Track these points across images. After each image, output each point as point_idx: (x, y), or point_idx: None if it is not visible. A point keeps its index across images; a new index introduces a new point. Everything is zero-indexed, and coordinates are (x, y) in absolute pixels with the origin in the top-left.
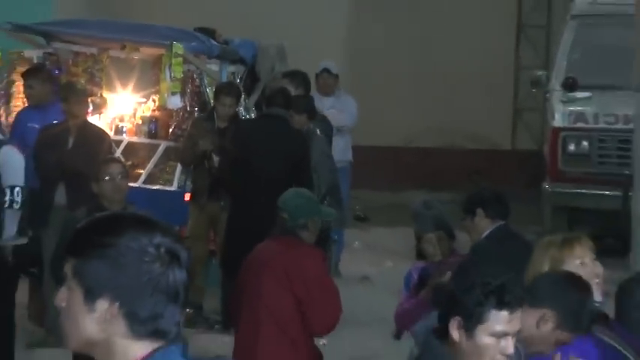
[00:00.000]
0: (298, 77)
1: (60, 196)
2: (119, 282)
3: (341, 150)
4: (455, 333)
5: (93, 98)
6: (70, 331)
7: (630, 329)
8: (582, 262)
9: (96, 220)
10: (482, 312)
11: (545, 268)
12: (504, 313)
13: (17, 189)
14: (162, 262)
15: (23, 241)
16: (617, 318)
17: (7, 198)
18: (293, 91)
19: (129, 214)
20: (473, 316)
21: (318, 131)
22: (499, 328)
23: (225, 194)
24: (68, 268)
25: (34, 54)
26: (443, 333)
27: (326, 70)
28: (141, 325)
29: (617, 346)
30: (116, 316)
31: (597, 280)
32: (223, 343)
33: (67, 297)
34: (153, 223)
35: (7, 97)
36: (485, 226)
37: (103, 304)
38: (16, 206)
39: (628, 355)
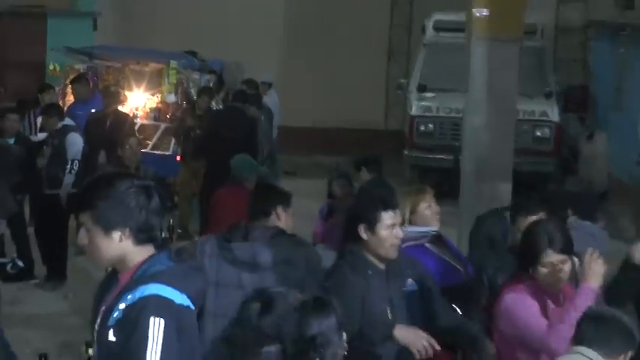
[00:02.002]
0: (252, 82)
1: (101, 157)
2: (124, 215)
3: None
4: (364, 234)
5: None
6: (96, 256)
7: (477, 249)
8: (429, 205)
9: (94, 183)
10: (377, 215)
11: (407, 209)
12: (390, 212)
13: (76, 161)
14: (143, 194)
15: (74, 191)
16: (471, 242)
17: (69, 166)
18: (248, 91)
19: (108, 173)
20: (372, 219)
21: (262, 117)
22: (389, 222)
23: (202, 156)
24: (86, 218)
25: (80, 67)
26: (354, 237)
27: (264, 82)
28: (142, 234)
29: (444, 257)
30: (127, 236)
31: (437, 216)
32: None
33: (88, 236)
34: (127, 173)
35: (64, 95)
36: (366, 177)
37: (117, 233)
38: (73, 172)
39: (452, 262)
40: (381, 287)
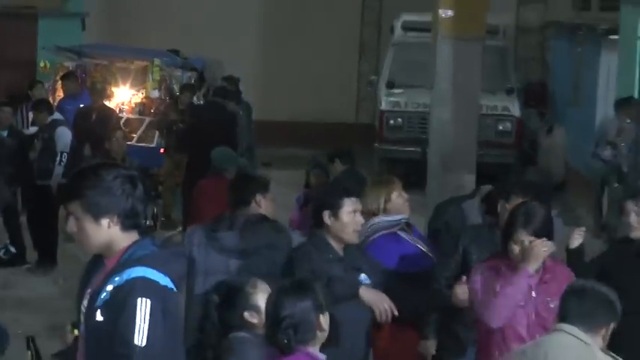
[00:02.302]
0: (232, 79)
1: (86, 150)
2: (111, 202)
3: None
4: (327, 220)
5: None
6: (85, 243)
7: (438, 234)
8: (400, 194)
9: (81, 173)
10: (340, 201)
11: (382, 198)
12: (352, 199)
13: (65, 154)
14: (128, 183)
15: (63, 181)
16: (429, 229)
17: (58, 158)
18: (228, 87)
19: (95, 164)
20: (335, 206)
21: (241, 112)
22: (351, 208)
23: (185, 148)
24: (75, 207)
25: (70, 65)
26: (319, 223)
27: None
28: (128, 220)
29: (416, 244)
30: (115, 223)
31: (407, 204)
32: None
33: (77, 224)
34: (113, 163)
35: (54, 91)
36: (340, 168)
37: (105, 220)
38: (62, 164)
39: (422, 247)
40: (339, 273)
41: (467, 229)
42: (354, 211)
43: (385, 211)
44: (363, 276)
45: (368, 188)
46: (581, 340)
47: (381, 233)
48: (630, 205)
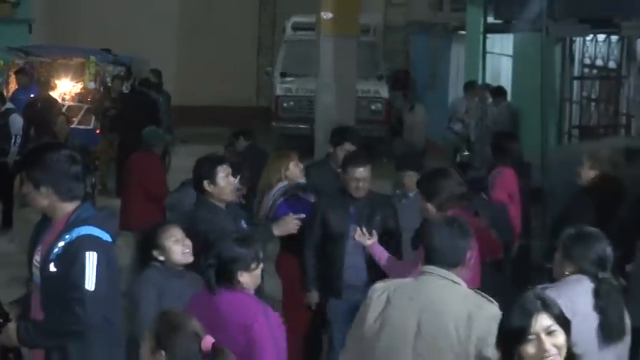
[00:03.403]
0: (156, 72)
1: (31, 132)
2: (47, 176)
3: None
4: (208, 187)
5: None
6: (32, 204)
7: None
8: (296, 163)
9: (31, 152)
10: (214, 170)
11: (283, 168)
12: (223, 166)
13: (18, 136)
14: (68, 162)
15: (18, 158)
16: None
17: (13, 140)
18: (152, 78)
19: (42, 144)
20: (211, 175)
21: (161, 99)
22: (223, 173)
23: (116, 129)
24: (24, 176)
25: (20, 62)
26: (202, 191)
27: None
28: (65, 194)
29: (308, 200)
30: (52, 193)
31: (302, 171)
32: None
33: (28, 190)
34: (59, 144)
35: (7, 84)
36: (244, 144)
37: (43, 189)
38: (17, 144)
39: None
40: (231, 225)
41: (323, 196)
42: (227, 175)
43: (286, 178)
44: (242, 222)
45: (270, 160)
46: (448, 279)
47: (285, 196)
48: None
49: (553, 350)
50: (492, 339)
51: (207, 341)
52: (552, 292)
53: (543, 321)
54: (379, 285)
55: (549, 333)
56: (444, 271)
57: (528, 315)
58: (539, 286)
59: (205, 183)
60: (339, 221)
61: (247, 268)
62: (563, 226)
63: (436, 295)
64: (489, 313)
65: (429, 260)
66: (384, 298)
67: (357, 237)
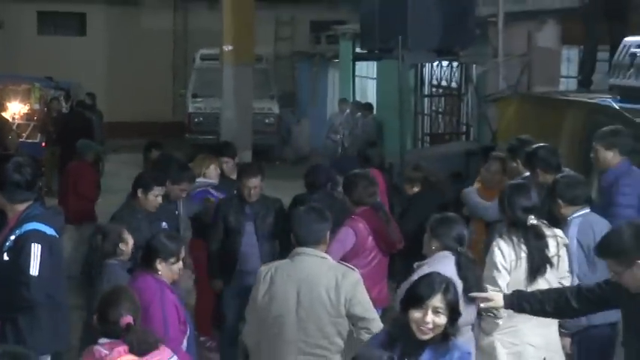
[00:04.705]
0: (91, 94)
1: None
2: (3, 186)
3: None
4: (140, 194)
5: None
6: None
7: None
8: (215, 166)
9: None
10: (150, 186)
11: (203, 168)
12: (160, 187)
13: None
14: (19, 172)
15: None
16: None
17: None
18: (87, 100)
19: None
20: (147, 188)
21: (94, 117)
22: (157, 192)
23: (57, 143)
24: None
25: None
26: (134, 194)
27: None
28: (13, 198)
29: (218, 195)
30: (4, 199)
31: (217, 173)
32: None
33: None
34: (10, 155)
35: None
36: (156, 154)
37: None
38: None
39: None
40: (146, 225)
41: (223, 199)
42: (158, 195)
43: (204, 176)
44: (164, 224)
45: (197, 158)
46: (316, 255)
47: (198, 190)
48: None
49: (430, 325)
50: (357, 299)
51: (124, 320)
52: (426, 267)
53: (437, 301)
54: (263, 267)
55: (436, 311)
56: (311, 250)
57: (430, 290)
58: (417, 263)
59: (139, 191)
60: (236, 221)
61: (166, 260)
62: (404, 215)
63: (309, 270)
64: (353, 279)
65: (299, 242)
66: (268, 278)
67: None
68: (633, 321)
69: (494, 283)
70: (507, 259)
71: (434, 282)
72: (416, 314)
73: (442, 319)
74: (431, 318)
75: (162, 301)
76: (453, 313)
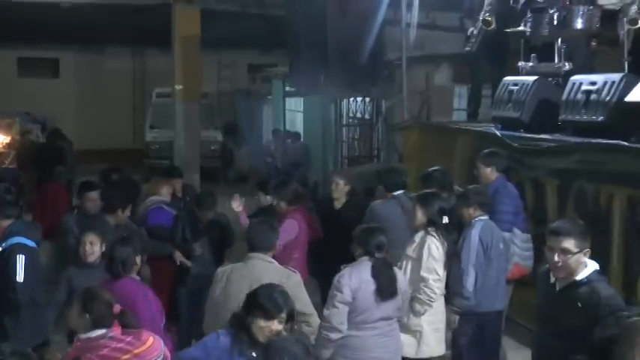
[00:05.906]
0: (58, 131)
1: None
2: None
3: None
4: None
5: None
6: None
7: None
8: (168, 187)
9: None
10: (117, 206)
11: (157, 188)
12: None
13: None
14: (9, 192)
15: None
16: None
17: None
18: (59, 131)
19: None
20: (112, 209)
21: (66, 146)
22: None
23: (34, 168)
24: None
25: None
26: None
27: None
28: (5, 214)
29: (170, 212)
30: None
31: (170, 192)
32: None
33: None
34: None
35: None
36: (115, 177)
37: None
38: None
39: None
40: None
41: (180, 214)
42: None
43: (159, 194)
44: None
45: (153, 180)
46: (265, 260)
47: (154, 206)
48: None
49: (275, 331)
50: (298, 298)
51: (117, 307)
52: (347, 270)
53: (282, 313)
54: (220, 269)
55: (280, 320)
56: (261, 255)
57: (280, 304)
58: (342, 265)
59: (120, 211)
60: (191, 231)
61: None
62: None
63: (259, 272)
64: (294, 280)
65: (252, 248)
66: (224, 278)
67: (233, 203)
68: (552, 319)
69: (435, 272)
70: (440, 251)
71: (278, 298)
72: (261, 323)
73: (279, 326)
74: (275, 326)
75: (145, 296)
76: (290, 320)
